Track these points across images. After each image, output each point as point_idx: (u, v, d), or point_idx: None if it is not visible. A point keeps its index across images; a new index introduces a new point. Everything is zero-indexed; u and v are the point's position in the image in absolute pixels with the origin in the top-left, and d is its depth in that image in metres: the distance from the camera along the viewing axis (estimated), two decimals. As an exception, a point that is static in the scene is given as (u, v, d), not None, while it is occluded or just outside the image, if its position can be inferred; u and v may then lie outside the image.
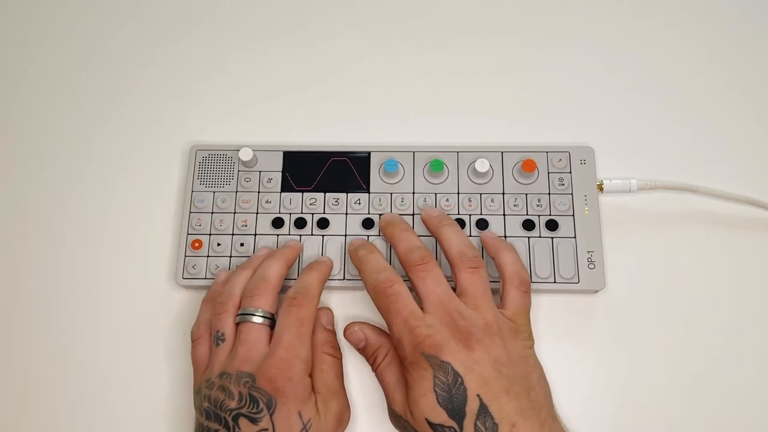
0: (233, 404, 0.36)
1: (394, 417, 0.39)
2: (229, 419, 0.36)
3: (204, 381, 0.38)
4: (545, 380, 0.38)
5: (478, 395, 0.34)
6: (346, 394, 0.40)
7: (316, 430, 0.37)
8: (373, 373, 0.40)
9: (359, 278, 0.43)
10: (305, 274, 0.41)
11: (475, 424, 0.34)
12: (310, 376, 0.38)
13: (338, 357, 0.41)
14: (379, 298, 0.39)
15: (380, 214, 0.45)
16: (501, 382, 0.35)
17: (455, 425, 0.34)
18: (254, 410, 0.35)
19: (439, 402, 0.35)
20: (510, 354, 0.36)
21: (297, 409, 0.36)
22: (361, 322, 0.42)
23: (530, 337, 0.39)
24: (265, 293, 0.39)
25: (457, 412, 0.34)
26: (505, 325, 0.38)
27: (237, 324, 0.39)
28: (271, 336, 0.38)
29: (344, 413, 0.39)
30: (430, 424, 0.35)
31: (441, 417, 0.35)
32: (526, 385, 0.36)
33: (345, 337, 0.41)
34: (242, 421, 0.35)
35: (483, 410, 0.34)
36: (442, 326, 0.36)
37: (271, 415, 0.35)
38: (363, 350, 0.41)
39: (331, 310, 0.43)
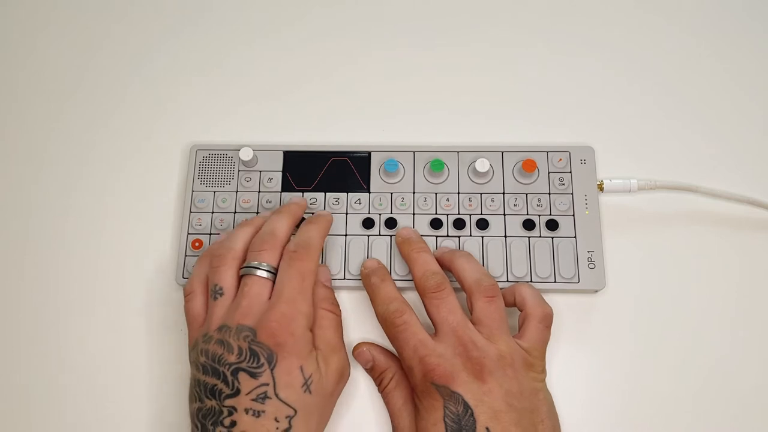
0: (233, 358, 0.35)
1: None
2: (228, 373, 0.35)
3: (201, 335, 0.37)
4: (555, 414, 0.38)
5: (487, 428, 0.34)
6: (345, 351, 0.40)
7: (318, 385, 0.36)
8: (379, 395, 0.40)
9: (359, 278, 0.43)
10: (306, 228, 0.41)
11: None
12: (311, 331, 0.38)
13: (337, 314, 0.40)
14: (388, 327, 0.39)
15: (381, 215, 0.45)
16: (511, 416, 0.35)
17: None
18: (255, 364, 0.35)
19: None
20: (522, 387, 0.36)
21: (299, 364, 0.36)
22: (369, 343, 0.42)
23: (543, 371, 0.39)
24: (272, 248, 0.39)
25: None
26: (519, 357, 0.37)
27: (241, 276, 0.39)
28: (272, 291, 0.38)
29: (345, 369, 0.39)
30: None
31: None
32: (535, 419, 0.36)
33: (354, 357, 0.41)
34: (242, 376, 0.35)
35: None
36: (454, 356, 0.36)
37: (272, 370, 0.35)
38: (370, 371, 0.41)
39: (327, 267, 0.43)
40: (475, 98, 0.50)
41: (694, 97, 0.50)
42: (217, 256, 0.39)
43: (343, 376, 0.39)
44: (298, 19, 0.54)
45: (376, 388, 0.41)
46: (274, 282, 0.38)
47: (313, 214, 0.44)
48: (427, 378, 0.36)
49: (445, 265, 0.42)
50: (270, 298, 0.38)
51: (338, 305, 0.41)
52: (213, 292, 0.38)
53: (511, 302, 0.41)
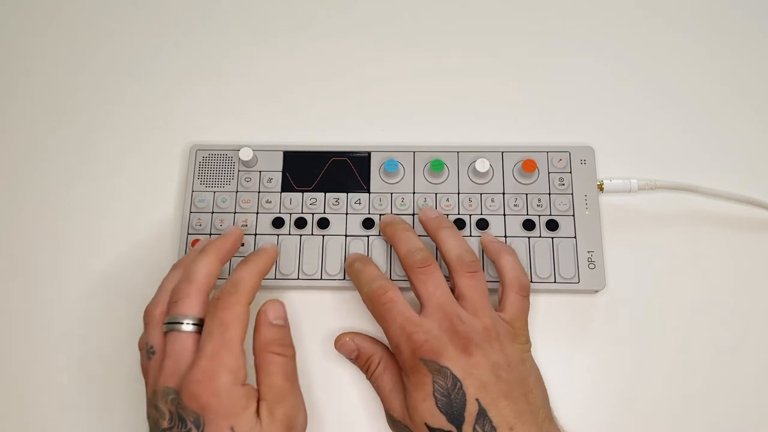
0: (165, 423, 0.33)
1: (393, 422, 0.39)
2: None
3: (147, 398, 0.36)
4: (542, 383, 0.38)
5: (477, 399, 0.35)
6: (298, 396, 0.37)
7: None
8: (368, 381, 0.40)
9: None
10: (238, 269, 0.38)
11: (474, 428, 0.34)
12: (256, 380, 0.36)
13: (287, 355, 0.36)
14: (374, 306, 0.38)
15: (381, 215, 0.45)
16: (499, 387, 0.35)
17: (454, 429, 0.34)
18: (183, 430, 0.33)
19: (438, 407, 0.35)
20: (508, 358, 0.36)
21: (229, 425, 0.33)
22: (351, 333, 0.42)
23: (528, 341, 0.39)
24: (190, 296, 0.36)
25: (456, 416, 0.34)
26: (504, 330, 0.38)
27: (165, 333, 0.36)
28: None
29: (295, 417, 0.36)
30: (430, 429, 0.35)
31: (440, 421, 0.35)
32: (524, 389, 0.36)
33: (337, 349, 0.41)
34: None
35: (482, 414, 0.34)
36: (440, 331, 0.36)
37: None
38: (356, 360, 0.41)
39: (281, 302, 0.38)
40: (475, 98, 0.50)
41: (694, 97, 0.50)
42: (146, 313, 0.37)
43: (294, 425, 0.36)
44: (298, 20, 0.53)
45: (364, 375, 0.41)
46: (199, 332, 0.35)
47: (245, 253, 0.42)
48: (416, 354, 0.36)
49: (429, 232, 0.42)
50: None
51: (290, 345, 0.37)
52: (147, 352, 0.36)
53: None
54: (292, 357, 0.37)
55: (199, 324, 0.35)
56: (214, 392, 0.33)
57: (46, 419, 0.43)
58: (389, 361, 0.39)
